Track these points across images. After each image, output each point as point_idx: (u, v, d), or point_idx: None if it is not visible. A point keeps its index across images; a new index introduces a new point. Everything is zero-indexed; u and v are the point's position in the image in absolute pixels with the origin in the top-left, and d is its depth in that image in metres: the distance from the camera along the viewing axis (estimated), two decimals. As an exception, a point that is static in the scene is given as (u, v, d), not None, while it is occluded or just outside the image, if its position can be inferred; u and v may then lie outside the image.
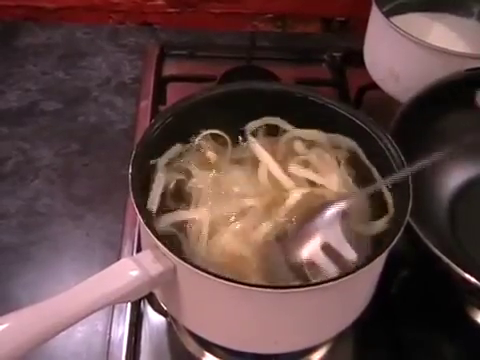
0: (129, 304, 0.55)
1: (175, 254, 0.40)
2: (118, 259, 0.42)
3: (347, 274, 0.40)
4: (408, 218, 0.46)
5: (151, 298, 0.55)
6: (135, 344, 0.53)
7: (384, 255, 0.43)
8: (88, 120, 0.74)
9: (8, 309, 0.38)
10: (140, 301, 0.55)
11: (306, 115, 0.53)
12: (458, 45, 0.70)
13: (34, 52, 0.83)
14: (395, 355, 0.53)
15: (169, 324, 0.55)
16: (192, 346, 0.53)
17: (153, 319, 0.55)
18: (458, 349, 0.54)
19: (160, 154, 0.50)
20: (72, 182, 0.67)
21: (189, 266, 0.40)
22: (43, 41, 0.85)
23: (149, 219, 0.43)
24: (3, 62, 0.81)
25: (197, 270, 0.39)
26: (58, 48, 0.84)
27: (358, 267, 0.40)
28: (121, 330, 0.53)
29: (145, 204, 0.45)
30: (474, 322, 0.55)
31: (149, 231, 0.41)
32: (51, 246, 0.61)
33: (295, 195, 0.49)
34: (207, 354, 0.53)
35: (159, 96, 0.76)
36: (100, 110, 0.75)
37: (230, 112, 0.52)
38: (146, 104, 0.75)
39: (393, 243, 0.42)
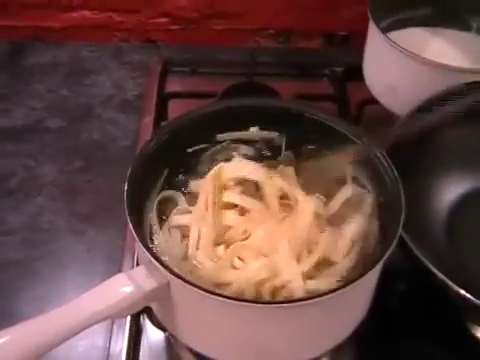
0: (128, 319, 0.55)
1: (168, 270, 0.41)
2: (118, 274, 0.43)
3: (339, 289, 0.40)
4: (402, 233, 0.46)
5: (150, 313, 0.55)
6: (134, 359, 0.53)
7: (376, 270, 0.43)
8: (91, 137, 0.75)
9: (11, 324, 0.39)
10: (139, 316, 0.56)
11: (302, 131, 0.54)
12: (457, 59, 0.71)
13: (40, 71, 0.84)
14: (392, 369, 0.54)
15: (168, 339, 0.55)
16: (190, 361, 0.54)
17: (152, 334, 0.55)
18: (455, 363, 0.54)
19: (156, 171, 0.51)
20: (75, 198, 0.68)
21: (182, 282, 0.40)
22: (49, 60, 0.86)
23: (143, 235, 0.44)
24: (10, 80, 0.83)
25: (190, 286, 0.40)
26: (63, 66, 0.85)
27: (349, 282, 0.41)
28: (120, 345, 0.54)
29: (140, 221, 0.46)
30: (473, 336, 0.54)
31: (143, 247, 0.42)
32: (54, 261, 0.62)
33: None
34: (205, 369, 0.53)
35: (161, 112, 0.77)
36: (103, 127, 0.76)
37: (228, 128, 0.53)
38: (148, 120, 0.75)
39: (384, 257, 0.42)
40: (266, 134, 0.55)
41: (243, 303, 0.39)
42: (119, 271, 0.58)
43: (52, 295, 0.59)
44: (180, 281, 0.40)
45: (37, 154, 0.72)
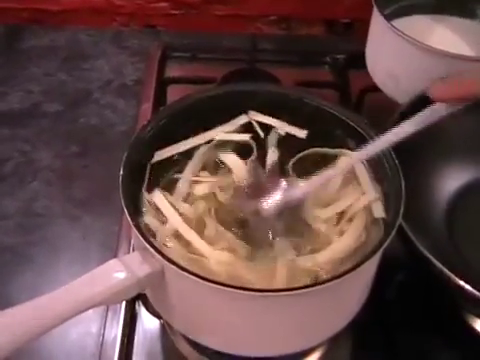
0: (123, 306, 0.55)
1: (162, 256, 0.40)
2: (113, 261, 0.42)
3: (336, 278, 0.40)
4: (402, 222, 0.46)
5: (145, 300, 0.54)
6: (128, 346, 0.53)
7: (374, 259, 0.42)
8: (89, 122, 0.74)
9: (4, 309, 0.38)
10: (134, 303, 0.55)
11: (301, 117, 0.53)
12: (461, 47, 0.70)
13: (37, 54, 0.83)
14: (390, 359, 0.53)
15: (162, 326, 0.55)
16: (185, 348, 0.53)
17: (147, 321, 0.55)
18: (454, 354, 0.54)
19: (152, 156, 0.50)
20: (71, 184, 0.67)
21: (176, 268, 0.40)
22: (47, 43, 0.85)
23: (137, 221, 0.43)
24: (7, 64, 0.82)
25: (184, 272, 0.39)
26: (61, 50, 0.84)
27: (347, 271, 0.40)
28: (115, 331, 0.53)
29: (135, 206, 0.45)
30: (470, 327, 0.54)
31: (137, 233, 0.41)
32: (49, 247, 0.61)
33: None
34: (200, 356, 0.53)
35: (160, 98, 0.76)
36: (101, 112, 0.75)
37: (225, 114, 0.52)
38: (147, 106, 0.75)
39: (383, 246, 0.41)
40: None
41: (238, 290, 0.38)
42: (114, 257, 0.58)
43: (46, 281, 0.58)
44: (174, 267, 0.39)
45: (33, 138, 0.72)
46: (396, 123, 0.54)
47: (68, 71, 0.81)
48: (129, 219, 0.42)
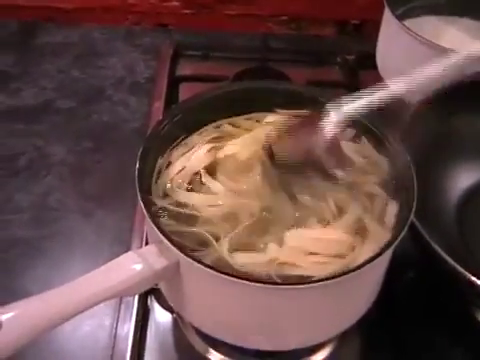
0: (136, 300, 0.55)
1: (179, 249, 0.41)
2: (126, 254, 0.42)
3: (349, 272, 0.40)
4: (414, 219, 0.46)
5: (158, 294, 0.55)
6: (141, 339, 0.53)
7: (387, 254, 0.43)
8: (101, 118, 0.75)
9: (17, 300, 0.39)
10: (147, 297, 0.56)
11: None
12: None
13: (51, 51, 0.84)
14: (399, 356, 0.53)
15: (175, 320, 0.55)
16: (197, 343, 0.53)
17: (159, 315, 0.55)
18: (464, 352, 0.54)
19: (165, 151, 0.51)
20: (84, 179, 0.67)
21: (192, 261, 0.40)
22: (60, 40, 0.86)
23: (154, 214, 0.44)
24: (21, 61, 0.82)
25: (199, 265, 0.40)
26: (75, 48, 0.85)
27: (359, 265, 0.40)
28: (127, 325, 0.54)
29: (150, 199, 0.46)
30: (479, 324, 0.54)
31: (153, 225, 0.42)
32: (62, 241, 0.62)
33: None
34: (212, 351, 0.53)
35: (172, 96, 0.77)
36: (114, 109, 0.76)
37: (239, 110, 0.53)
38: (159, 104, 0.75)
39: (396, 242, 0.42)
40: None
41: (254, 283, 0.39)
42: (127, 252, 0.59)
43: (59, 275, 0.59)
44: (190, 260, 0.40)
45: (47, 134, 0.72)
46: (409, 124, 0.56)
47: (81, 68, 0.82)
48: (145, 212, 0.43)
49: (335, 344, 0.54)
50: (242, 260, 0.43)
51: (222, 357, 0.53)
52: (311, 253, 0.44)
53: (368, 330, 0.54)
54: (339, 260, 0.44)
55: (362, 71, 0.81)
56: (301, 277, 0.43)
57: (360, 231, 0.46)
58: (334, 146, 0.47)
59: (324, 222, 0.46)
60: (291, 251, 0.44)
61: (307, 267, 0.43)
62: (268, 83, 0.55)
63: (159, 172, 0.49)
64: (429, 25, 0.73)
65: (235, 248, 0.44)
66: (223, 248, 0.44)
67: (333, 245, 0.45)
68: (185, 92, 0.78)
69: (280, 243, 0.45)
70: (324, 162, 0.46)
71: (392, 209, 0.47)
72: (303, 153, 0.47)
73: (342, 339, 0.54)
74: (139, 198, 0.43)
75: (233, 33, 0.88)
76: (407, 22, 0.70)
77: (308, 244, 0.45)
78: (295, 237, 0.45)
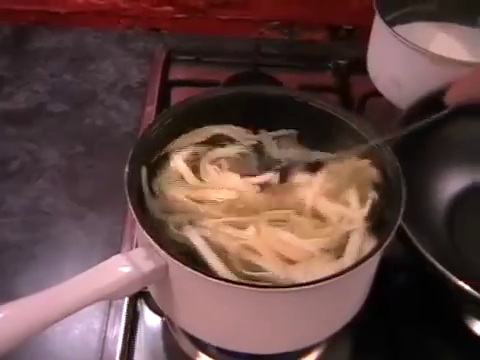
0: (125, 303, 0.55)
1: (167, 252, 0.41)
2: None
3: (337, 275, 0.40)
4: (402, 223, 0.46)
5: (148, 297, 0.55)
6: (130, 343, 0.53)
7: (374, 258, 0.43)
8: (94, 122, 0.75)
9: (8, 304, 0.39)
10: (136, 300, 0.56)
11: (303, 119, 0.54)
12: (462, 54, 0.71)
13: (44, 55, 0.84)
14: (390, 358, 0.53)
15: (164, 324, 0.55)
16: (187, 346, 0.54)
17: (149, 319, 0.55)
18: (454, 355, 0.54)
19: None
20: (76, 183, 0.68)
21: (180, 264, 0.40)
22: (53, 45, 0.86)
23: (142, 217, 0.44)
24: (14, 65, 0.83)
25: (188, 268, 0.40)
26: (67, 52, 0.85)
27: (348, 268, 0.41)
28: (117, 329, 0.54)
29: (140, 203, 0.46)
30: (470, 327, 0.55)
31: (142, 228, 0.42)
32: (53, 245, 0.62)
33: None
34: (201, 354, 0.53)
35: (164, 100, 0.77)
36: (106, 113, 0.77)
37: (228, 115, 0.53)
38: (151, 108, 0.76)
39: (384, 245, 0.42)
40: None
41: (242, 287, 0.39)
42: (116, 255, 0.59)
43: (50, 278, 0.59)
44: (178, 263, 0.40)
45: (39, 138, 0.72)
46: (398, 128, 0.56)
47: (74, 72, 0.82)
48: (134, 215, 0.43)
49: (325, 347, 0.54)
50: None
51: (211, 360, 0.53)
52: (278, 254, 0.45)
53: (359, 333, 0.54)
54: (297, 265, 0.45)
55: (354, 76, 0.81)
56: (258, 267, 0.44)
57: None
58: None
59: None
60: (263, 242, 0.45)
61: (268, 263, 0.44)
62: (259, 88, 0.55)
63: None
64: (420, 31, 0.73)
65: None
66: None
67: (296, 253, 0.45)
68: (177, 96, 0.78)
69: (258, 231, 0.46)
70: None
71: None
72: None
73: (332, 342, 0.54)
74: (128, 202, 0.44)
75: (226, 38, 0.88)
76: (398, 28, 0.70)
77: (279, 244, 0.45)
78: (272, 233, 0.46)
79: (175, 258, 0.41)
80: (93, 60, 0.84)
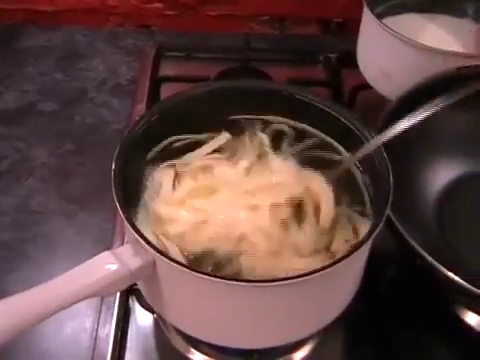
0: (117, 301, 0.55)
1: (154, 248, 0.41)
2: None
3: (325, 268, 0.40)
4: (390, 214, 0.46)
5: (139, 294, 0.55)
6: (122, 340, 0.53)
7: (363, 250, 0.43)
8: (84, 120, 0.75)
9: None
10: (128, 298, 0.56)
11: (292, 113, 0.53)
12: (452, 45, 0.70)
13: (33, 54, 0.84)
14: (382, 353, 0.53)
15: (156, 321, 0.55)
16: (178, 343, 0.53)
17: (140, 316, 0.55)
18: (446, 347, 0.54)
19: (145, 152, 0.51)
20: (66, 181, 0.67)
21: (167, 260, 0.40)
22: (42, 43, 0.86)
23: (129, 214, 0.43)
24: (2, 64, 0.82)
25: (175, 264, 0.40)
26: (57, 50, 0.85)
27: (334, 262, 0.40)
28: (108, 327, 0.54)
29: (127, 200, 0.46)
30: (462, 320, 0.54)
31: (128, 225, 0.42)
32: (44, 243, 0.62)
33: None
34: (193, 351, 0.53)
35: (154, 97, 0.77)
36: (96, 111, 0.76)
37: (216, 110, 0.53)
38: (141, 105, 0.75)
39: (372, 237, 0.42)
40: None
41: (229, 282, 0.39)
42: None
43: (41, 277, 0.57)
44: (165, 259, 0.40)
45: (29, 137, 0.72)
46: (386, 120, 0.55)
47: (63, 70, 0.82)
48: (120, 212, 0.43)
49: (317, 341, 0.54)
50: None
51: (204, 357, 0.53)
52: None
53: (351, 326, 0.54)
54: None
55: (345, 69, 0.81)
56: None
57: None
58: None
59: None
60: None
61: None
62: (246, 82, 0.55)
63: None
64: (409, 23, 0.73)
65: None
66: None
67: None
68: (167, 93, 0.77)
69: None
70: None
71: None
72: None
73: (324, 336, 0.54)
74: (115, 199, 0.43)
75: (216, 34, 0.88)
76: (387, 20, 0.70)
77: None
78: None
79: (162, 254, 0.40)
80: (83, 58, 0.84)
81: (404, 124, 0.47)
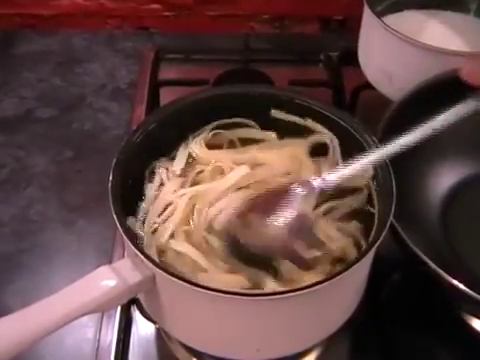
0: (118, 311, 0.55)
1: (153, 263, 0.40)
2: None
3: (329, 279, 0.39)
4: (394, 222, 0.45)
5: (140, 305, 0.54)
6: (123, 350, 0.53)
7: (367, 258, 0.42)
8: (83, 126, 0.74)
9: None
10: (129, 308, 0.55)
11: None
12: (455, 42, 0.69)
13: (31, 59, 0.83)
14: (387, 359, 0.53)
15: (158, 331, 0.55)
16: (180, 353, 0.53)
17: (142, 326, 0.55)
18: (451, 353, 0.54)
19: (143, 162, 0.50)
20: (65, 189, 0.67)
21: (167, 275, 0.39)
22: (40, 48, 0.85)
23: (127, 227, 0.43)
24: (0, 70, 0.81)
25: (175, 279, 0.39)
26: (55, 55, 0.84)
27: (340, 272, 0.40)
28: (110, 337, 0.53)
29: (125, 212, 0.45)
30: (467, 326, 0.54)
31: (127, 239, 0.41)
32: (43, 253, 0.61)
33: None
34: (196, 361, 0.53)
35: (154, 101, 0.76)
36: (95, 116, 0.75)
37: (214, 116, 0.52)
38: (141, 109, 0.75)
39: (375, 245, 0.41)
40: None
41: (229, 295, 0.38)
42: (110, 263, 0.58)
43: (41, 288, 0.58)
44: (165, 274, 0.39)
45: (27, 144, 0.71)
46: (388, 121, 0.55)
47: (62, 76, 0.81)
48: (119, 225, 0.42)
49: (322, 348, 0.54)
50: None
51: (206, 367, 0.52)
52: None
53: (356, 333, 0.54)
54: None
55: (346, 68, 0.80)
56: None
57: None
58: (304, 224, 0.45)
59: None
60: None
61: None
62: (246, 88, 0.54)
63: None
64: (411, 20, 0.72)
65: None
66: None
67: None
68: (167, 96, 0.76)
69: None
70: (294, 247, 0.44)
71: None
72: (270, 240, 0.44)
73: (329, 343, 0.53)
74: (113, 212, 0.43)
75: (215, 35, 0.87)
76: (389, 17, 0.69)
77: None
78: None
79: (161, 269, 0.40)
80: (81, 63, 0.83)
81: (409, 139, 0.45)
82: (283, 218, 0.44)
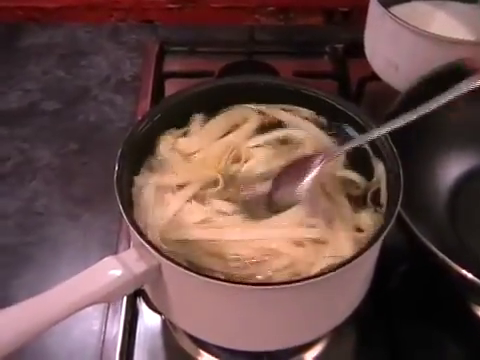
0: (124, 302, 0.54)
1: (159, 252, 0.40)
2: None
3: (336, 268, 0.39)
4: (401, 211, 0.45)
5: (146, 296, 0.54)
6: (129, 342, 0.53)
7: (374, 248, 0.42)
8: (88, 119, 0.74)
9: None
10: (135, 299, 0.55)
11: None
12: (462, 33, 0.68)
13: (36, 52, 0.83)
14: (394, 351, 0.52)
15: (164, 322, 0.54)
16: (187, 344, 0.53)
17: (148, 317, 0.55)
18: (459, 345, 0.53)
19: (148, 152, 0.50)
20: (70, 182, 0.67)
21: (173, 264, 0.39)
22: (44, 41, 0.85)
23: (133, 217, 0.43)
24: (5, 63, 0.81)
25: (181, 268, 0.39)
26: (59, 47, 0.84)
27: (344, 263, 0.39)
28: (116, 328, 0.53)
29: (131, 202, 0.45)
30: (475, 317, 0.53)
31: (132, 229, 0.41)
32: (49, 246, 0.61)
33: None
34: (202, 352, 0.52)
35: (158, 93, 0.76)
36: (100, 109, 0.75)
37: (219, 107, 0.52)
38: (145, 101, 0.74)
39: (382, 236, 0.41)
40: None
41: (235, 285, 0.38)
42: (115, 255, 0.58)
43: (46, 281, 0.58)
44: (171, 263, 0.39)
45: (32, 137, 0.71)
46: (396, 112, 0.54)
47: (66, 68, 0.81)
48: (124, 216, 0.42)
49: (328, 341, 0.53)
50: None
51: (212, 358, 0.52)
52: None
53: (362, 326, 0.54)
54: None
55: (351, 59, 0.79)
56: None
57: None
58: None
59: None
60: None
61: None
62: (251, 78, 0.54)
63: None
64: (419, 10, 0.71)
65: None
66: None
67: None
68: (172, 89, 0.76)
69: None
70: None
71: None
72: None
73: (335, 336, 0.53)
74: (118, 202, 0.43)
75: (220, 27, 0.86)
76: (395, 8, 0.68)
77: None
78: None
79: (167, 258, 0.39)
80: (85, 55, 0.83)
81: (410, 117, 0.45)
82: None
